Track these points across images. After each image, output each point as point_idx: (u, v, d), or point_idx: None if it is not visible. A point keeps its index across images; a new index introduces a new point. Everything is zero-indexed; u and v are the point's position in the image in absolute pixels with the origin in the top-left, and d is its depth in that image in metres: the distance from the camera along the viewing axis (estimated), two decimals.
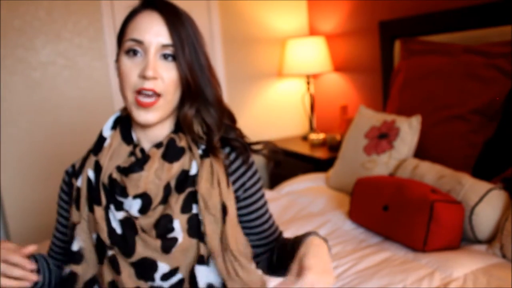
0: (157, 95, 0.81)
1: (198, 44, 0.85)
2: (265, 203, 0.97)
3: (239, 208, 0.92)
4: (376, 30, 2.60)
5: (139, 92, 0.80)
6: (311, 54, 2.93)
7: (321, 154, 2.71)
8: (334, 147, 2.68)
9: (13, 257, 0.81)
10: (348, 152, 2.17)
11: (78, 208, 0.89)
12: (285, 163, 2.92)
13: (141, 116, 0.82)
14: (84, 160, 0.91)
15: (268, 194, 2.22)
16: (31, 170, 2.56)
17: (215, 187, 0.85)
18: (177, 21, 0.83)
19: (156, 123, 0.85)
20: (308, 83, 3.12)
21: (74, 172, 0.92)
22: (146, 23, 0.82)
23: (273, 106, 3.20)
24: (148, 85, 0.80)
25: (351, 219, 1.83)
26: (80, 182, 0.89)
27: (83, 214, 0.87)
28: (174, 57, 0.82)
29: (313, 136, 2.94)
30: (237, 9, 3.03)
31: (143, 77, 0.80)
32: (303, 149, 2.86)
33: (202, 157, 0.87)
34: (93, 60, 2.66)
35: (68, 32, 2.59)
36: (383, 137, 2.02)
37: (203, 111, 0.88)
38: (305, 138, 3.12)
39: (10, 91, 2.49)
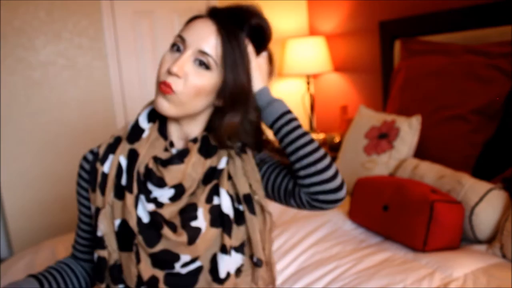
0: (173, 91, 0.83)
1: (246, 65, 0.87)
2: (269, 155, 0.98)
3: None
4: (376, 30, 2.60)
5: (162, 83, 0.83)
6: (311, 54, 2.92)
7: None
8: (334, 147, 2.68)
9: None
10: (348, 152, 2.17)
11: (103, 193, 0.89)
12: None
13: (158, 101, 0.84)
14: (111, 146, 0.92)
15: None
16: (31, 170, 2.56)
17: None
18: (231, 34, 0.85)
19: (170, 116, 0.87)
20: (308, 83, 3.12)
21: (97, 158, 0.93)
22: (197, 26, 0.85)
23: None
24: (169, 79, 0.83)
25: (351, 219, 1.83)
26: (107, 168, 0.90)
27: (108, 199, 0.88)
28: (207, 67, 0.84)
29: (313, 136, 2.94)
30: None
31: (168, 71, 0.83)
32: None
33: (239, 154, 0.91)
34: (93, 60, 2.66)
35: (68, 32, 2.59)
36: (383, 137, 2.02)
37: (240, 128, 0.90)
38: None
39: (10, 91, 2.49)
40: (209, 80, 0.85)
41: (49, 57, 2.57)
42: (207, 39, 0.84)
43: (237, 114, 0.87)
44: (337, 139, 2.69)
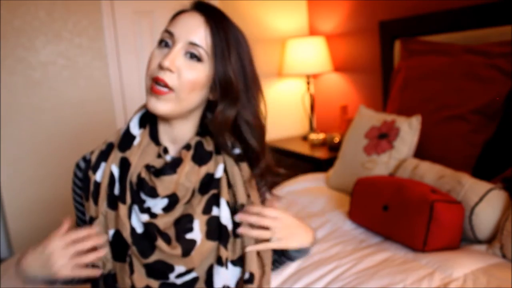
0: (169, 88, 0.81)
1: (244, 54, 0.85)
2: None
3: None
4: (376, 30, 2.60)
5: (155, 80, 0.81)
6: (311, 54, 2.92)
7: (321, 154, 2.70)
8: (334, 147, 2.68)
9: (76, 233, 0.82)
10: (348, 152, 2.17)
11: (95, 202, 0.87)
12: (285, 163, 2.92)
13: (151, 103, 0.81)
14: (103, 154, 0.90)
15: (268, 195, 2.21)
16: (31, 170, 2.56)
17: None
18: (220, 26, 0.83)
19: (166, 117, 0.84)
20: (308, 83, 3.12)
21: (89, 166, 0.90)
22: (185, 19, 0.83)
23: (273, 106, 3.20)
24: (161, 75, 0.80)
25: (351, 219, 1.83)
26: (99, 177, 0.88)
27: (101, 209, 0.86)
28: (199, 59, 0.82)
29: (313, 136, 2.94)
30: (237, 9, 3.03)
31: (160, 66, 0.80)
32: (303, 149, 2.86)
33: (237, 161, 0.89)
34: (93, 60, 2.66)
35: (68, 32, 2.59)
36: (383, 137, 2.02)
37: (242, 126, 0.87)
38: (305, 138, 3.12)
39: (10, 91, 2.49)
40: (202, 72, 0.82)
41: (49, 57, 2.57)
42: (196, 31, 0.82)
43: (230, 108, 0.85)
44: (337, 139, 2.69)
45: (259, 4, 3.08)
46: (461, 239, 1.60)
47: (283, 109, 3.24)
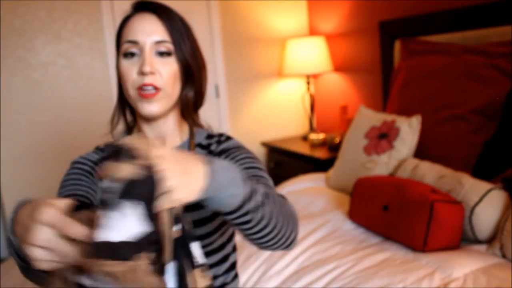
0: (157, 88, 0.85)
1: (192, 37, 0.92)
2: (259, 168, 0.87)
3: None
4: (376, 30, 2.60)
5: (140, 88, 0.85)
6: (311, 54, 2.93)
7: (321, 154, 2.70)
8: (334, 147, 2.68)
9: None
10: (348, 152, 2.17)
11: None
12: (285, 163, 2.92)
13: (144, 108, 0.86)
14: None
15: None
16: (31, 170, 2.56)
17: None
18: (169, 17, 0.88)
19: (160, 116, 0.89)
20: (308, 83, 3.12)
21: None
22: (139, 24, 0.88)
23: (273, 106, 3.20)
24: (147, 80, 0.84)
25: (351, 219, 1.83)
26: None
27: None
28: (169, 53, 0.87)
29: (313, 136, 2.94)
30: (237, 9, 3.03)
31: (142, 73, 0.85)
32: (303, 149, 2.86)
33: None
34: (93, 60, 2.66)
35: (68, 32, 2.59)
36: (383, 137, 2.02)
37: (198, 102, 0.96)
38: (305, 138, 3.12)
39: (10, 91, 2.49)
40: (175, 64, 0.88)
41: (49, 57, 2.57)
42: (155, 29, 0.86)
43: (190, 89, 0.92)
44: (337, 139, 2.69)
45: (259, 4, 3.08)
46: (461, 239, 1.60)
47: (283, 109, 3.24)
